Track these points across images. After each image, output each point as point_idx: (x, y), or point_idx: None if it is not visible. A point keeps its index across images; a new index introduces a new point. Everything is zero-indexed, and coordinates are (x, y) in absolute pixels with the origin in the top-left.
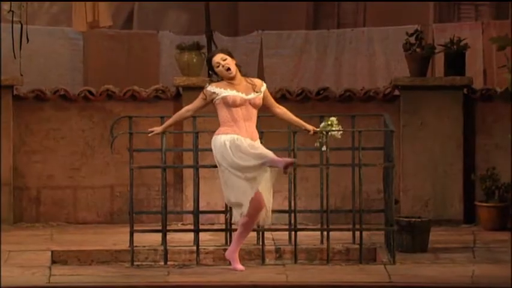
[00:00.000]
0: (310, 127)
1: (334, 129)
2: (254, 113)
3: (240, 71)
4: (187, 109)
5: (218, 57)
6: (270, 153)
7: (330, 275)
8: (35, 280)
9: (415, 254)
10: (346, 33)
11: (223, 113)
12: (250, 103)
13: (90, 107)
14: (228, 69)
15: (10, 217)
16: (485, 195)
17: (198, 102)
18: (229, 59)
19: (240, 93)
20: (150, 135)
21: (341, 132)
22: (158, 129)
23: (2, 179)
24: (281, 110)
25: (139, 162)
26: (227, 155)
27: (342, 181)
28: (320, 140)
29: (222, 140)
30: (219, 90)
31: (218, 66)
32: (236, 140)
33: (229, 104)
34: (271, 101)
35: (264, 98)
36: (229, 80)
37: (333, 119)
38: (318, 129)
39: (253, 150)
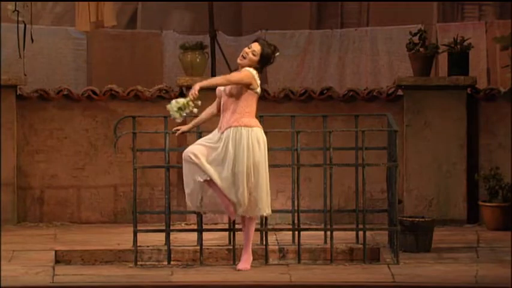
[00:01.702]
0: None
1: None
2: (229, 102)
3: (256, 70)
4: (213, 104)
5: (256, 46)
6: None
7: (334, 275)
8: (39, 280)
9: (418, 253)
10: (349, 33)
11: None
12: (224, 93)
13: (94, 107)
14: (243, 56)
15: (14, 217)
16: (488, 195)
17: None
18: (256, 55)
19: None
20: (176, 134)
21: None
22: (185, 127)
23: (4, 178)
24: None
25: (142, 162)
26: None
27: (346, 181)
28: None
29: None
30: None
31: (248, 48)
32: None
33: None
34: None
35: None
36: (239, 67)
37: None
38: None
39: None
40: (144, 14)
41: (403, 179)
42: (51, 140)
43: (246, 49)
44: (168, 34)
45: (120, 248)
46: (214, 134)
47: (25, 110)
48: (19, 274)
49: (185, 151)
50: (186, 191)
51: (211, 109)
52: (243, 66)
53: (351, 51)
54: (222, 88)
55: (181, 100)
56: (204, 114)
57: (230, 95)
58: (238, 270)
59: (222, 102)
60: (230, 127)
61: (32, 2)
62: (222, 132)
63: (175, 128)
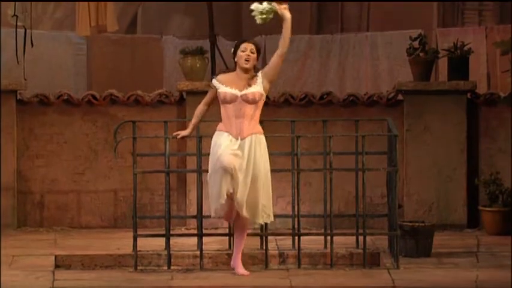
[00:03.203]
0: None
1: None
2: (248, 109)
3: (255, 69)
4: (203, 103)
5: (250, 46)
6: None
7: (334, 280)
8: (39, 285)
9: (418, 258)
10: (349, 38)
11: (221, 108)
12: (242, 99)
13: (94, 112)
14: (247, 60)
15: (14, 221)
16: (488, 200)
17: (209, 93)
18: (255, 52)
19: (233, 89)
20: (177, 138)
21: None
22: (184, 132)
23: (4, 183)
24: (279, 50)
25: (142, 167)
26: (212, 152)
27: (346, 186)
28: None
29: (214, 136)
30: (218, 85)
31: (244, 51)
32: (221, 136)
33: (223, 100)
34: (271, 64)
35: (267, 76)
36: (241, 71)
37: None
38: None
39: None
40: (144, 18)
41: (403, 183)
42: (51, 145)
43: (245, 54)
44: (168, 39)
45: (120, 253)
46: (232, 141)
47: (25, 115)
48: (19, 279)
49: (223, 161)
50: (219, 201)
51: (203, 107)
52: (243, 69)
53: (351, 56)
54: (239, 94)
55: (266, 7)
56: (200, 115)
57: (253, 101)
58: (245, 275)
59: (238, 108)
60: (252, 134)
61: (32, 7)
62: (243, 139)
63: (175, 133)
